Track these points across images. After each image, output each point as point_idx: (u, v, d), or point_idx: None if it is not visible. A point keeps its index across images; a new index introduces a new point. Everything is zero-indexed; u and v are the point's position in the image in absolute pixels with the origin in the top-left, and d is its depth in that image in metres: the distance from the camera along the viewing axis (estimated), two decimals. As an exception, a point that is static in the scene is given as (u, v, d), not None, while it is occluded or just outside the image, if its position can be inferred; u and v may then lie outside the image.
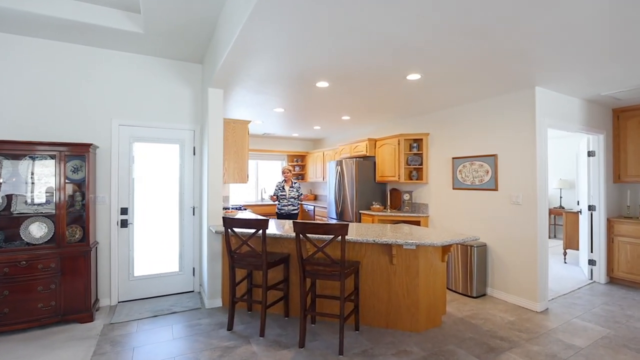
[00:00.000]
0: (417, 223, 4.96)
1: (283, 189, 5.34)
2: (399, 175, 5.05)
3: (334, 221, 5.90)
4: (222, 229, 3.31)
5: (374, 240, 2.72)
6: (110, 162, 3.59)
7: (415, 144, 5.01)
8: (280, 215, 5.30)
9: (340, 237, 2.54)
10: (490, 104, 4.02)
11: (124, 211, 3.67)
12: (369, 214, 5.19)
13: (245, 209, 5.44)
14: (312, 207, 7.24)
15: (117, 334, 2.93)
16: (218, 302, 3.57)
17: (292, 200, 5.28)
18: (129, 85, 3.68)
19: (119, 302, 3.64)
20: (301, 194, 5.46)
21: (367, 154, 5.59)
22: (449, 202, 4.55)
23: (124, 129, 3.68)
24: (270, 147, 8.05)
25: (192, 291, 4.00)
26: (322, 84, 3.44)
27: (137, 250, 3.76)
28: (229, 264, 3.02)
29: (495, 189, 3.93)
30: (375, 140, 5.59)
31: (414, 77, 3.21)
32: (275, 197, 5.37)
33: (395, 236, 2.86)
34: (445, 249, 3.03)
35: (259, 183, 8.02)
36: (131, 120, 3.70)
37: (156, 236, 3.87)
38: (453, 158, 4.47)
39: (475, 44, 2.49)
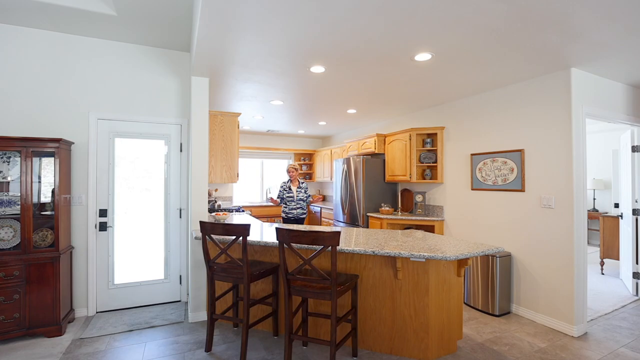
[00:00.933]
0: (431, 228, 4.44)
1: (289, 189, 4.65)
2: (410, 174, 4.54)
3: (342, 224, 5.45)
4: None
5: (373, 252, 2.26)
6: (88, 159, 3.29)
7: (428, 139, 4.50)
8: (288, 220, 4.65)
9: (330, 248, 2.10)
10: (516, 90, 3.47)
11: (102, 213, 3.36)
12: (377, 217, 4.71)
13: (244, 211, 5.06)
14: (319, 208, 6.81)
15: (83, 352, 2.59)
16: (202, 316, 3.20)
17: (300, 202, 4.60)
18: (108, 76, 3.37)
19: (97, 313, 3.33)
20: (309, 195, 4.77)
21: (376, 151, 5.11)
22: (467, 204, 4.01)
23: (103, 124, 3.37)
24: (275, 145, 7.68)
25: (179, 301, 3.66)
26: (317, 69, 3.00)
27: (117, 256, 3.44)
28: (207, 275, 2.63)
29: (522, 190, 3.38)
30: (385, 136, 5.10)
31: (423, 57, 2.72)
32: (278, 199, 4.68)
33: (401, 246, 2.39)
34: (462, 262, 2.54)
35: (265, 183, 7.67)
36: (111, 113, 3.39)
37: (139, 240, 3.55)
38: (472, 154, 3.93)
39: (498, 6, 1.99)
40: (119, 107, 3.41)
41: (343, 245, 2.42)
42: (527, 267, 3.34)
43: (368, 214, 4.90)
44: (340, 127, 6.49)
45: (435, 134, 4.44)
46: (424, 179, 4.53)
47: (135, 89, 3.47)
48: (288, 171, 4.71)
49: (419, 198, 4.66)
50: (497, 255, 3.36)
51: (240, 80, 3.34)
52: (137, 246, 3.54)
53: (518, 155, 3.42)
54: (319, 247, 2.39)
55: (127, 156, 3.50)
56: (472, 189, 3.93)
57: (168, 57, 3.58)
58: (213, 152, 3.28)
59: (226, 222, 3.84)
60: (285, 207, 4.66)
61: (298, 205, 4.61)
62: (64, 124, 3.20)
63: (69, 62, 3.23)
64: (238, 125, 3.46)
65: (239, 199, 7.32)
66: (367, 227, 4.92)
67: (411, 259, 2.45)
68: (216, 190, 6.82)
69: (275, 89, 3.65)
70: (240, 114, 3.40)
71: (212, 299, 2.61)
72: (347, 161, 5.31)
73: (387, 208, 4.75)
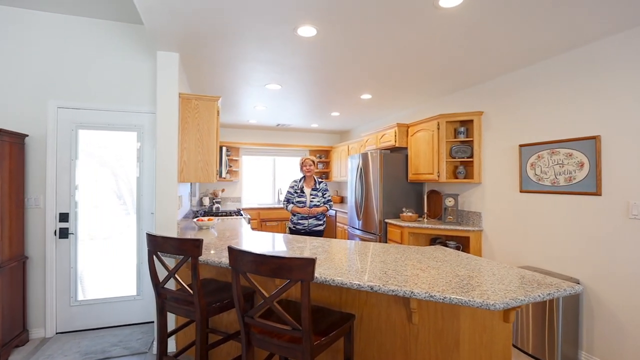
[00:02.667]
0: (465, 240, 3.55)
1: (301, 192, 3.52)
2: (439, 172, 3.68)
3: (357, 232, 4.66)
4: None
5: (371, 288, 1.49)
6: (46, 154, 2.81)
7: (462, 128, 3.60)
8: (297, 233, 3.49)
9: (301, 283, 1.37)
10: (585, 53, 2.51)
11: (63, 217, 2.87)
12: (397, 225, 3.88)
13: (242, 214, 4.45)
14: (334, 211, 6.06)
15: (10, 393, 2.07)
16: (170, 346, 2.60)
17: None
18: (70, 58, 2.88)
19: (56, 334, 2.85)
20: (329, 199, 3.58)
21: (397, 145, 4.27)
22: (515, 211, 3.09)
23: (64, 113, 2.88)
24: (288, 141, 7.04)
25: (153, 322, 3.09)
26: (307, 31, 2.27)
27: (81, 268, 2.94)
28: (156, 304, 2.00)
29: (597, 193, 2.43)
30: (407, 126, 4.26)
31: (450, 0, 1.89)
32: (284, 203, 3.63)
33: (417, 277, 1.60)
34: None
35: (277, 182, 7.05)
36: (74, 101, 2.89)
37: (108, 250, 3.03)
38: (520, 145, 3.01)
39: None
40: (84, 93, 2.91)
41: (328, 272, 1.67)
42: (604, 301, 2.38)
43: (386, 220, 4.09)
44: (357, 119, 5.70)
45: (471, 121, 3.53)
46: (457, 178, 3.64)
47: (102, 72, 2.95)
48: (302, 165, 3.55)
49: (449, 202, 3.77)
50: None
51: (222, 55, 2.69)
52: (105, 256, 3.02)
53: (590, 144, 2.47)
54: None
55: (93, 151, 2.99)
56: (522, 191, 3.00)
57: (139, 35, 3.03)
58: (185, 144, 2.68)
59: (210, 229, 3.23)
60: (294, 216, 3.56)
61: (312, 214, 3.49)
62: (17, 113, 2.74)
63: (23, 41, 2.76)
64: (218, 111, 2.82)
65: (249, 200, 6.77)
66: (385, 236, 4.11)
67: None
68: (223, 190, 6.31)
69: (264, 66, 2.97)
70: (219, 97, 2.76)
71: (161, 336, 1.98)
72: (364, 157, 4.51)
73: (410, 214, 3.91)
